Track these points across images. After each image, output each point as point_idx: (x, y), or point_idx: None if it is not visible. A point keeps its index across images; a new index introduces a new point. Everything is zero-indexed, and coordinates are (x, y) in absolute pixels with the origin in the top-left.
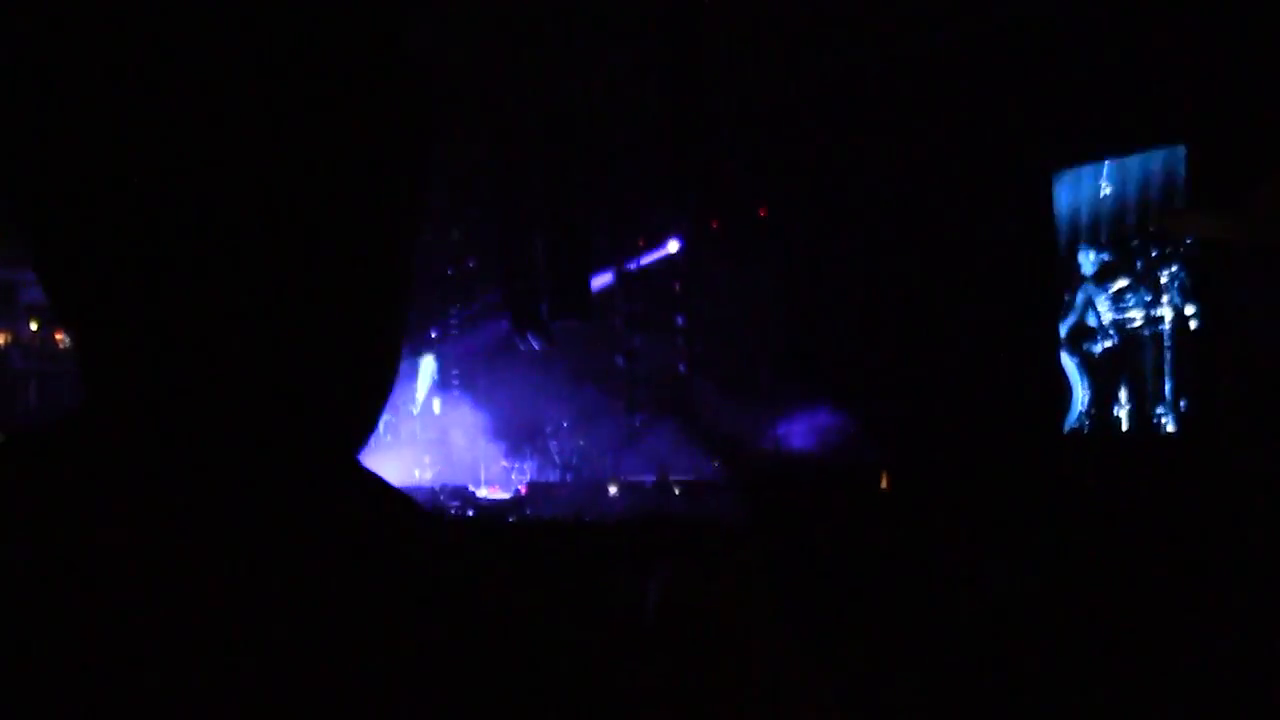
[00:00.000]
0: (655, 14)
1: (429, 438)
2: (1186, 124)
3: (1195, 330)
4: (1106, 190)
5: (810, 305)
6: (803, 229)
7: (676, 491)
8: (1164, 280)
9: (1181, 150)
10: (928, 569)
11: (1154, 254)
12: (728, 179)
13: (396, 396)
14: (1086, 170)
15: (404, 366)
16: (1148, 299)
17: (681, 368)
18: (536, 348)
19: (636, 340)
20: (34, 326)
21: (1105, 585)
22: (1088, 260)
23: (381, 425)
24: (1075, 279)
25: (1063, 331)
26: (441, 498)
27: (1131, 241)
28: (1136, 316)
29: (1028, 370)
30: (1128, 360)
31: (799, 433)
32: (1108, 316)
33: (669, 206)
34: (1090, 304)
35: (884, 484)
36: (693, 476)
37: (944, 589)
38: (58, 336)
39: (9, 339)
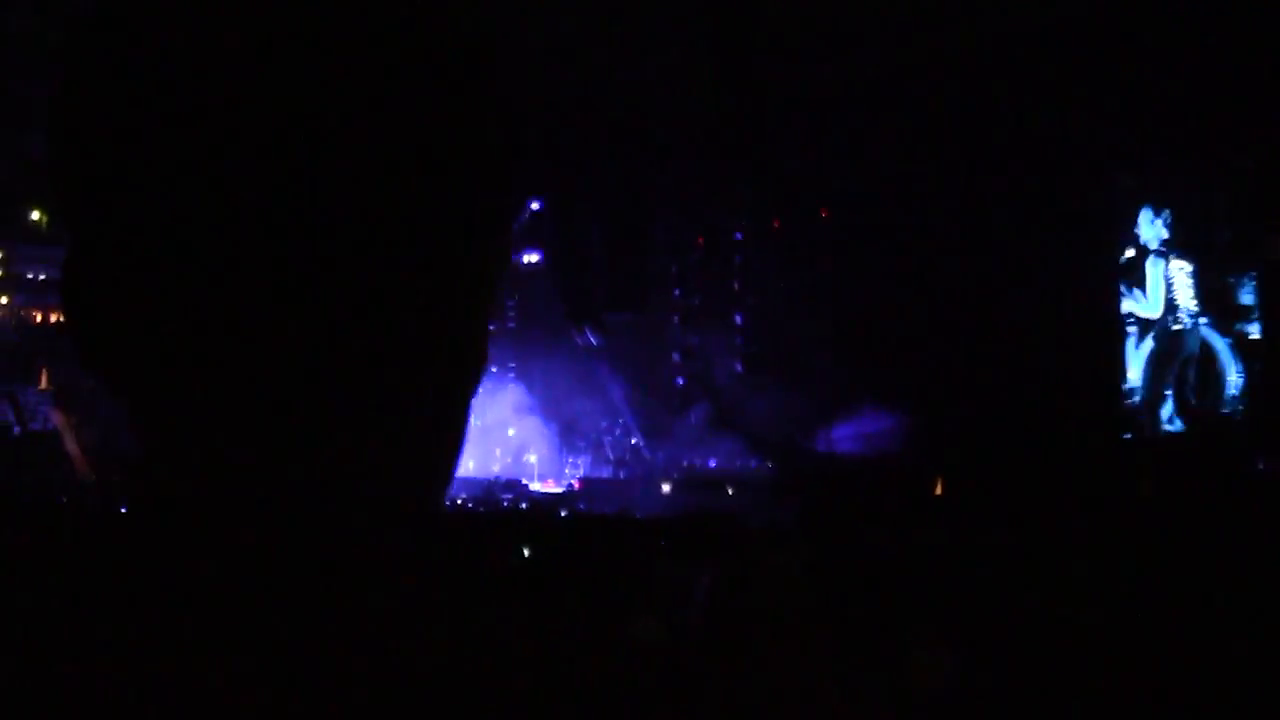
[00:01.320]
0: (719, 11)
1: (483, 429)
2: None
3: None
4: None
5: (868, 307)
6: (863, 231)
7: (730, 490)
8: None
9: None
10: (978, 572)
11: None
12: (789, 178)
13: None
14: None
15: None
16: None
17: (738, 366)
18: (594, 343)
19: (693, 338)
20: None
21: (1157, 593)
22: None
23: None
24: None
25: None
26: (496, 490)
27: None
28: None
29: (1088, 374)
30: (1188, 355)
31: (853, 434)
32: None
33: (729, 203)
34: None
35: (938, 489)
36: (746, 475)
37: (995, 592)
38: None
39: None
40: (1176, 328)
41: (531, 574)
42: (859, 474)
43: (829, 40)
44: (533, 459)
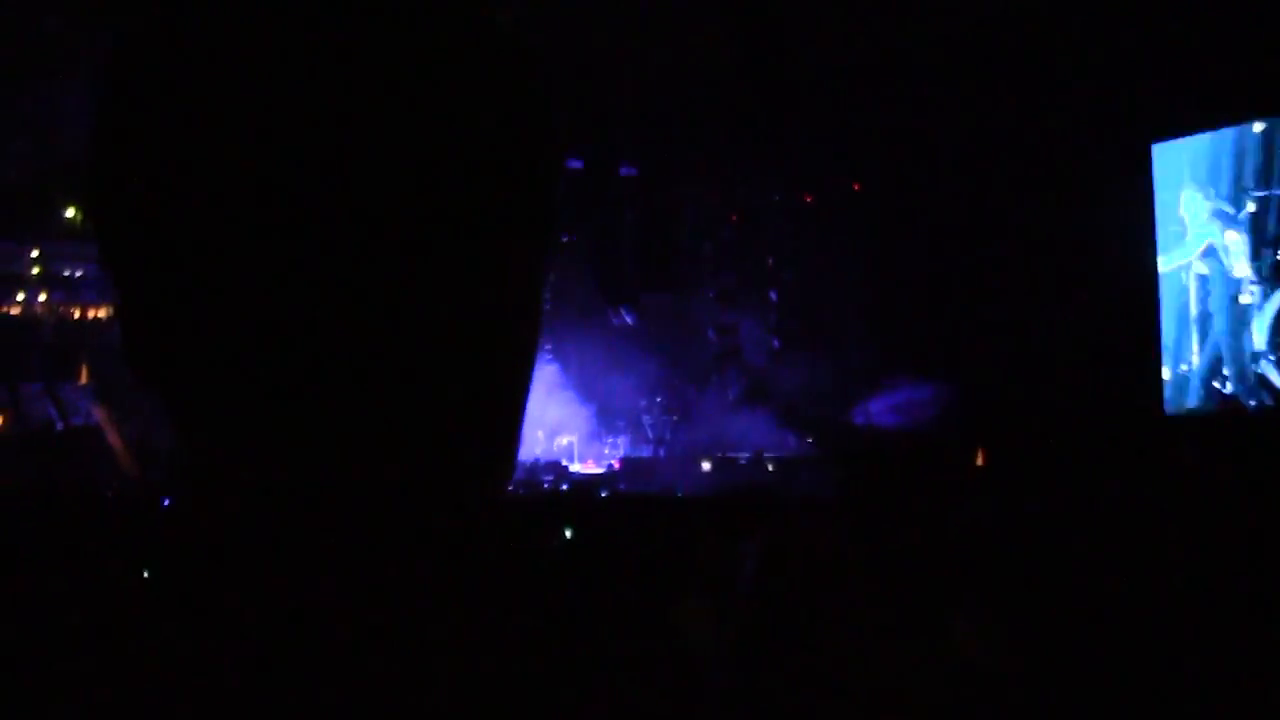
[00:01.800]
0: None
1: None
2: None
3: None
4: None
5: (903, 280)
6: (896, 203)
7: (770, 467)
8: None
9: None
10: (1022, 546)
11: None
12: (821, 152)
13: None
14: (1186, 144)
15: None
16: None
17: (775, 343)
18: (630, 321)
19: (728, 316)
20: None
21: (1205, 567)
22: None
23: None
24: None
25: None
26: (537, 471)
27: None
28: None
29: (1124, 344)
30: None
31: (891, 407)
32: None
33: (762, 181)
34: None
35: (979, 459)
36: (786, 451)
37: (1039, 566)
38: None
39: (112, 312)
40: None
41: (576, 555)
42: (898, 446)
43: (859, 13)
44: (572, 440)
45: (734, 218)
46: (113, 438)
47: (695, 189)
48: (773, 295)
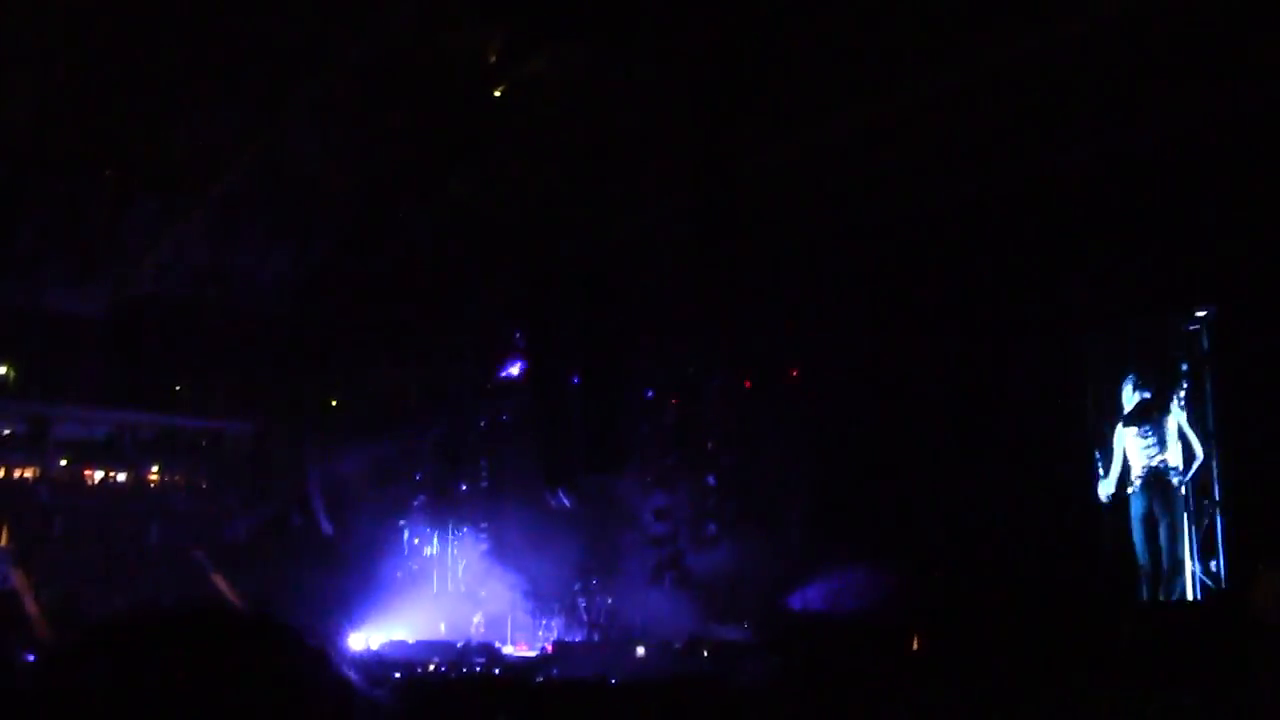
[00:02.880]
0: (693, 174)
1: (455, 592)
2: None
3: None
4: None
5: (840, 465)
6: (835, 389)
7: (705, 653)
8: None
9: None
10: None
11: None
12: (760, 338)
13: (426, 550)
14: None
15: (431, 518)
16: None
17: (712, 528)
18: (567, 505)
19: (665, 500)
20: (63, 462)
21: None
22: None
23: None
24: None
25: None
26: (468, 654)
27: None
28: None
29: (1063, 531)
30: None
31: (828, 592)
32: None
33: (702, 365)
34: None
35: (914, 645)
36: (722, 637)
37: None
38: (85, 473)
39: (38, 474)
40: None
41: None
42: (835, 632)
43: (802, 203)
44: (505, 622)
45: (674, 401)
46: (29, 604)
47: (637, 372)
48: (710, 480)
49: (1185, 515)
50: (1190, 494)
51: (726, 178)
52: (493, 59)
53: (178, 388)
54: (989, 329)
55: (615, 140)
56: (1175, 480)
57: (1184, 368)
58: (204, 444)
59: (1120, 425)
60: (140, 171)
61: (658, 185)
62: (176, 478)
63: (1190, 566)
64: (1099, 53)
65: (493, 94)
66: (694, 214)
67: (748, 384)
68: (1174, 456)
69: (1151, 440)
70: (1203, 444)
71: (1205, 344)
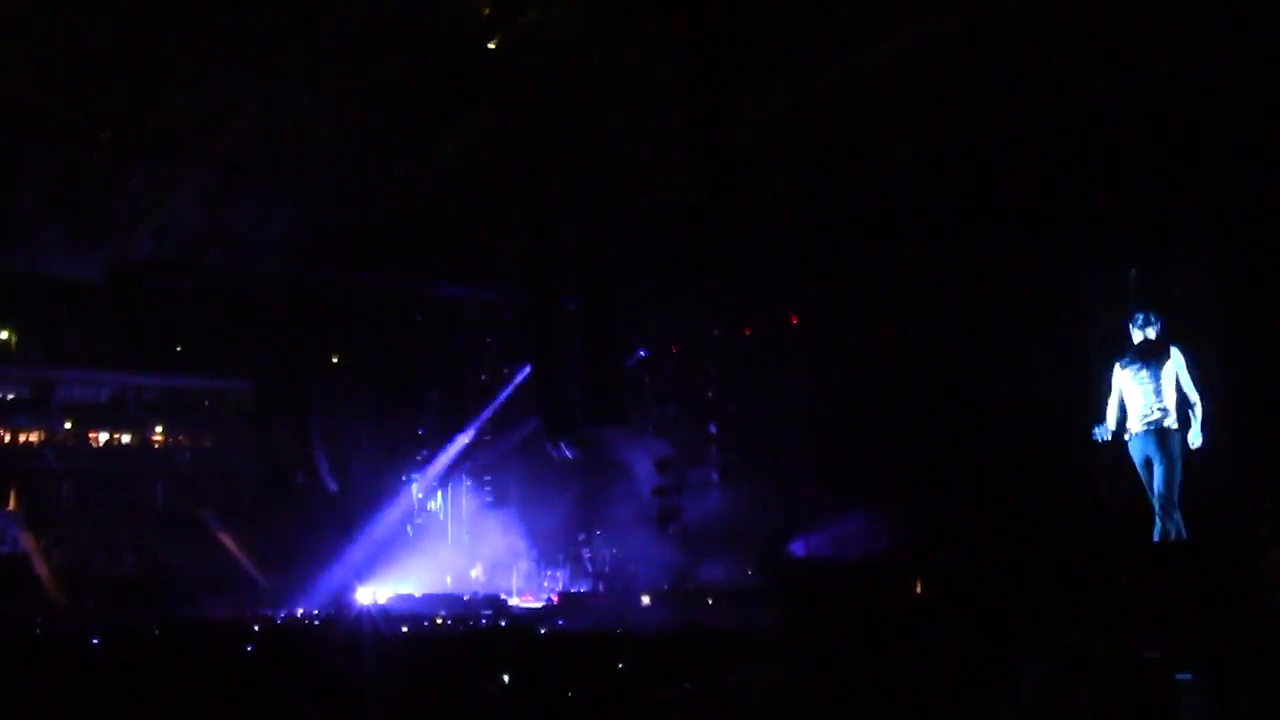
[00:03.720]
0: (692, 120)
1: (461, 545)
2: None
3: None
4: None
5: (841, 411)
6: (835, 336)
7: (710, 600)
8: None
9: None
10: (960, 673)
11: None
12: (760, 287)
13: (431, 504)
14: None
15: (436, 472)
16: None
17: (714, 475)
18: (569, 455)
19: (669, 448)
20: (68, 425)
21: (1134, 687)
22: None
23: (411, 532)
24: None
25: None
26: (474, 606)
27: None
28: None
29: (1063, 475)
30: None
31: (831, 538)
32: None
33: (703, 312)
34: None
35: (917, 589)
36: (726, 585)
37: (976, 693)
38: (91, 436)
39: (43, 437)
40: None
41: (513, 701)
42: (838, 578)
43: (808, 152)
44: (511, 573)
45: (674, 350)
46: (40, 566)
47: (638, 322)
48: (712, 428)
49: (1180, 460)
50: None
51: (726, 126)
52: (487, 11)
53: (179, 349)
54: (991, 272)
55: (613, 91)
56: (1170, 424)
57: (1185, 312)
58: (207, 404)
59: (1118, 365)
60: (137, 134)
61: (657, 135)
62: (181, 438)
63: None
64: None
65: (488, 47)
66: (693, 163)
67: (748, 331)
68: (1170, 400)
69: (1149, 382)
70: (1200, 391)
71: (1209, 288)
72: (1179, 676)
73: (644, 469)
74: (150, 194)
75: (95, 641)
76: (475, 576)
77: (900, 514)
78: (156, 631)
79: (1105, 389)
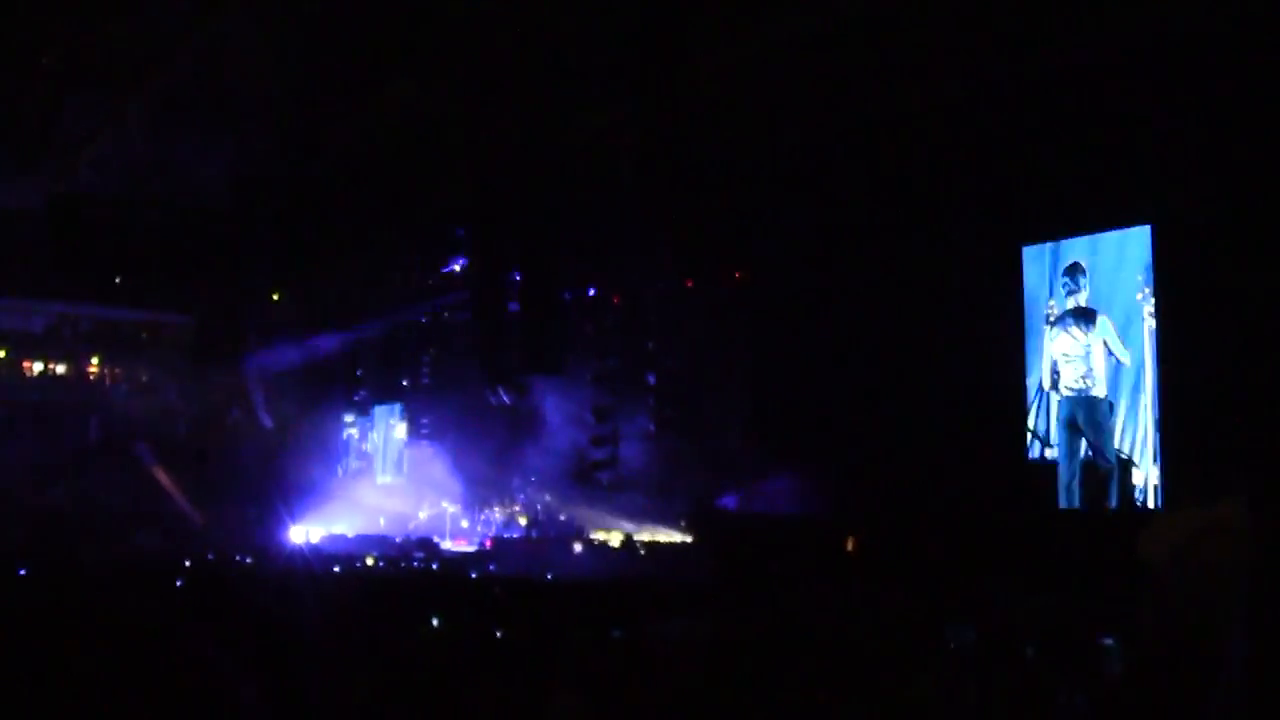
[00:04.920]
0: (641, 75)
1: (396, 487)
2: (1153, 205)
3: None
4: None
5: (780, 367)
6: (777, 292)
7: (641, 551)
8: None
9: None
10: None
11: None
12: (705, 241)
13: (366, 445)
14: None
15: (372, 415)
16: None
17: (651, 427)
18: (507, 402)
19: (606, 399)
20: (1, 354)
21: (1070, 648)
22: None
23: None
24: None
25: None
26: (408, 548)
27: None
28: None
29: (996, 435)
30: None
31: (766, 493)
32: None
33: (644, 264)
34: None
35: (850, 547)
36: (659, 535)
37: (908, 650)
38: (24, 365)
39: None
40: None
41: (444, 646)
42: (769, 534)
43: (751, 109)
44: (444, 516)
45: (615, 300)
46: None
47: (581, 272)
48: (650, 379)
49: (1111, 425)
50: (1119, 406)
51: (673, 78)
52: None
53: (117, 280)
54: (930, 236)
55: (560, 42)
56: (1098, 391)
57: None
58: (144, 337)
59: (1048, 329)
60: (78, 63)
61: (603, 86)
62: (116, 371)
63: (1114, 476)
64: None
65: None
66: (639, 115)
67: (690, 284)
68: (1099, 366)
69: (1078, 348)
70: (1132, 359)
71: (1143, 260)
72: (1102, 640)
73: (581, 418)
74: (90, 125)
75: (22, 573)
76: (416, 518)
77: (832, 473)
78: (83, 565)
79: (1037, 354)
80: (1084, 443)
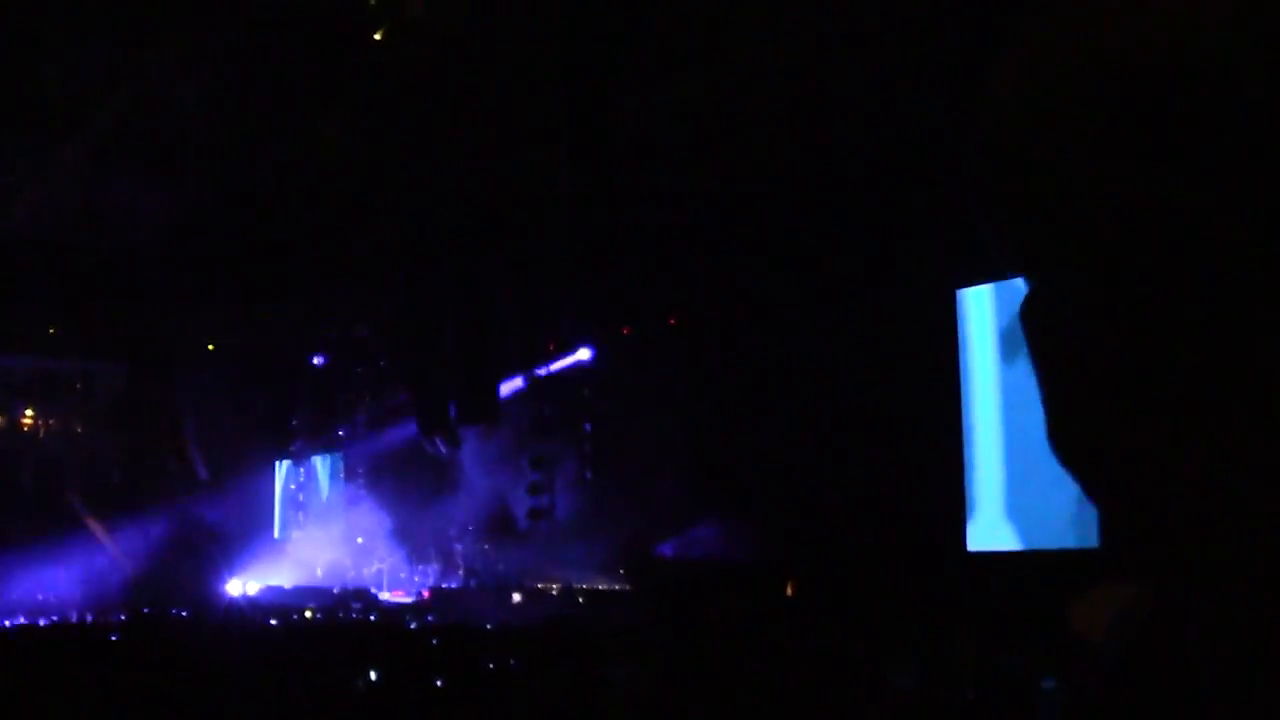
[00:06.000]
0: (571, 119)
1: (332, 538)
2: None
3: None
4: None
5: (717, 413)
6: (712, 338)
7: (580, 599)
8: None
9: None
10: (831, 673)
11: None
12: (640, 287)
13: (302, 496)
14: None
15: (308, 464)
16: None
17: (588, 474)
18: (444, 452)
19: (543, 446)
20: None
21: (1010, 691)
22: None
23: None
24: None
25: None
26: (345, 599)
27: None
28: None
29: (932, 480)
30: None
31: (704, 539)
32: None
33: (580, 312)
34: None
35: (790, 591)
36: (597, 584)
37: (846, 693)
38: None
39: None
40: None
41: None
42: (708, 579)
43: (685, 155)
44: (381, 567)
45: (551, 347)
46: None
47: (514, 318)
48: (587, 426)
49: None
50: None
51: (605, 124)
52: (373, 1)
53: (50, 330)
54: (863, 279)
55: (494, 87)
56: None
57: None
58: (78, 386)
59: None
60: (9, 108)
61: (536, 131)
62: (50, 421)
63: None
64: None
65: (372, 37)
66: (572, 161)
67: (625, 330)
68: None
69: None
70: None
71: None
72: (1043, 684)
73: (518, 466)
74: (21, 171)
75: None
76: (352, 570)
77: (766, 519)
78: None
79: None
80: None
